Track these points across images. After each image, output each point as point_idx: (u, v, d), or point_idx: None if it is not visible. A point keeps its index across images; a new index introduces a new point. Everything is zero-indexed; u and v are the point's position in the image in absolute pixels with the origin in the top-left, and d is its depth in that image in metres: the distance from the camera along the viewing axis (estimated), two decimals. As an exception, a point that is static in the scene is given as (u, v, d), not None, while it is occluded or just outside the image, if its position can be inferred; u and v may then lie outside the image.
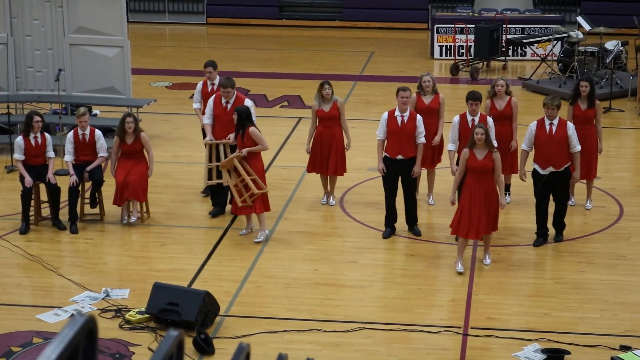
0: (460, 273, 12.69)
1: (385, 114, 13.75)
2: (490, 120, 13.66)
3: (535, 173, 13.55)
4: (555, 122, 13.41)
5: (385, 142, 13.73)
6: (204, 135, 14.65)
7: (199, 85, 15.33)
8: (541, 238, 13.69)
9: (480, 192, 12.53)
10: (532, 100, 20.54)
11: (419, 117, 13.65)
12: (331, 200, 15.10)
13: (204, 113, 14.66)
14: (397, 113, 13.66)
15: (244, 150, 13.50)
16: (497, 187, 12.70)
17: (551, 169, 13.39)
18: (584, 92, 14.39)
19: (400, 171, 13.68)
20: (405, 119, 13.61)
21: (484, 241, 13.02)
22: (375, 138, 13.85)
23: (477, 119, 13.55)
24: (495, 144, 12.96)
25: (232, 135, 13.85)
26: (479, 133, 12.46)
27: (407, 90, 13.71)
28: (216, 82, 15.03)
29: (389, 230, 13.92)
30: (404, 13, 29.29)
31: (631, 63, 22.53)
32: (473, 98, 13.63)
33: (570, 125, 13.53)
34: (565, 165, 13.47)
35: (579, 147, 13.54)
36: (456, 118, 13.74)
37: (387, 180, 13.77)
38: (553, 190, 13.56)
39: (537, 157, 13.54)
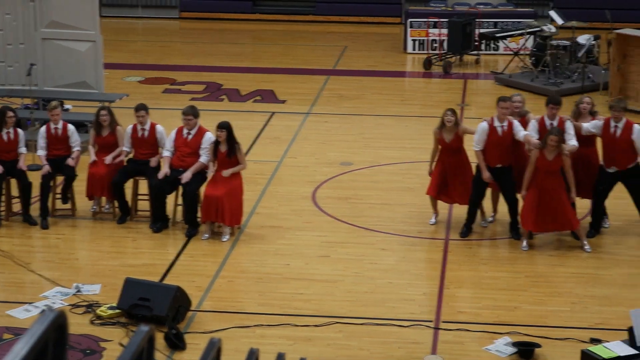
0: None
1: (485, 125, 13.43)
2: (568, 123, 13.33)
3: (601, 169, 13.56)
4: (621, 124, 13.35)
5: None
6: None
7: (129, 129, 14.19)
8: (593, 229, 13.81)
9: (547, 188, 12.94)
10: (504, 94, 20.53)
11: (515, 123, 13.42)
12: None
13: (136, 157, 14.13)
14: (496, 123, 13.46)
15: (226, 172, 13.44)
16: (568, 183, 13.00)
17: (615, 168, 13.46)
18: (585, 109, 13.78)
19: (498, 178, 13.54)
20: (505, 128, 13.42)
21: (578, 234, 13.39)
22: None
23: (555, 122, 13.35)
24: (568, 149, 12.98)
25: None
26: (553, 140, 12.79)
27: (507, 100, 13.53)
28: (147, 127, 14.07)
29: (467, 230, 13.79)
30: (377, 7, 29.28)
31: (603, 57, 22.60)
32: (554, 102, 13.47)
33: (636, 128, 13.35)
34: (633, 164, 13.44)
35: None
36: (533, 122, 13.48)
37: (482, 185, 13.62)
38: (629, 188, 13.61)
39: (603, 157, 13.58)
